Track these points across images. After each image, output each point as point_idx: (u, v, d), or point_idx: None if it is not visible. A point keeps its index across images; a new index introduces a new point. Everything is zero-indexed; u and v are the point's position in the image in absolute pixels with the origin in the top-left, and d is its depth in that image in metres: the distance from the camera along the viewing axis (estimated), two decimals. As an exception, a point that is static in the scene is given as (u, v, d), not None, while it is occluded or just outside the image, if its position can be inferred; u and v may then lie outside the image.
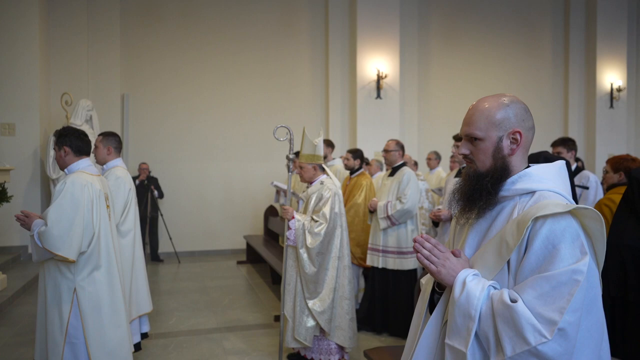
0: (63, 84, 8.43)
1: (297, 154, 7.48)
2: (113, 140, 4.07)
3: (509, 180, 1.51)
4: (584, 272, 1.30)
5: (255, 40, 9.75)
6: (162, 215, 8.73)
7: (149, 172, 8.78)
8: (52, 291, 3.00)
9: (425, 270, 1.78)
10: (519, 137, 1.51)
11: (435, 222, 4.44)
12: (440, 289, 1.59)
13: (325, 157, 6.78)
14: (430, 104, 10.82)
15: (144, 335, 4.34)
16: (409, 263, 4.87)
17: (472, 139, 1.55)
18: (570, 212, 1.38)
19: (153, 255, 8.76)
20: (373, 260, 5.00)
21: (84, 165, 3.16)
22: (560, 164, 1.56)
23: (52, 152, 7.74)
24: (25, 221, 2.99)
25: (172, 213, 9.13)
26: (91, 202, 3.03)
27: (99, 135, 4.16)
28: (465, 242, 1.59)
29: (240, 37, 9.68)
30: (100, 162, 4.10)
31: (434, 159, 8.01)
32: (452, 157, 6.56)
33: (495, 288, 1.42)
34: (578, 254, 1.33)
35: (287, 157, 3.98)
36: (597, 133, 11.38)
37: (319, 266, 3.91)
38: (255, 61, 9.76)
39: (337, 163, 6.53)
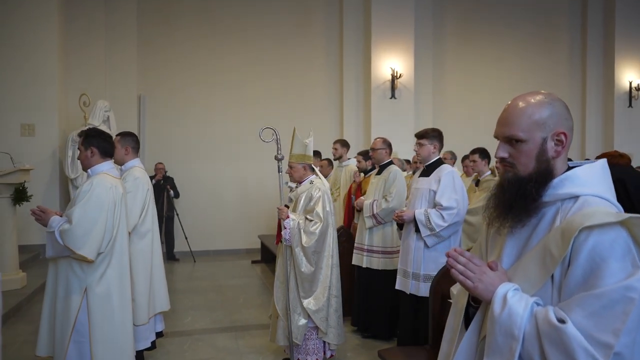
0: (81, 85, 8.53)
1: (314, 153, 7.51)
2: (131, 140, 4.10)
3: (551, 184, 1.40)
4: (638, 289, 1.18)
5: (270, 41, 9.79)
6: (177, 214, 8.80)
7: (165, 172, 8.87)
8: (62, 288, 3.03)
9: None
10: (564, 139, 1.41)
11: (400, 224, 4.27)
12: (476, 303, 1.51)
13: (340, 157, 6.79)
14: (445, 103, 10.74)
15: (159, 334, 4.38)
16: (394, 263, 4.73)
17: (513, 141, 1.43)
18: (621, 222, 1.26)
19: (169, 255, 8.84)
20: (357, 259, 4.94)
21: (108, 168, 3.21)
22: (602, 163, 1.45)
23: (70, 152, 7.85)
24: (41, 217, 3.03)
25: (188, 212, 9.20)
26: (114, 205, 3.08)
27: (117, 135, 4.20)
28: (503, 252, 1.47)
29: (255, 37, 9.73)
30: (119, 162, 4.12)
31: (449, 159, 7.93)
32: (413, 159, 6.44)
33: (538, 304, 1.31)
34: (629, 268, 1.22)
35: (276, 158, 3.99)
36: (616, 132, 11.20)
37: (315, 265, 3.93)
38: (270, 61, 9.80)
39: (352, 163, 6.53)
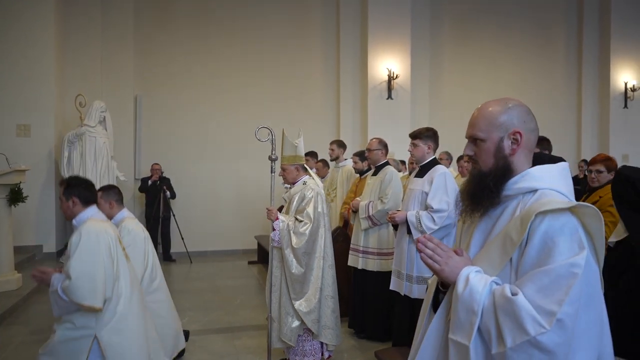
0: (77, 85, 8.52)
1: (311, 153, 7.49)
2: (113, 194, 4.04)
3: (512, 180, 1.56)
4: (581, 265, 1.34)
5: (267, 42, 9.79)
6: (174, 215, 8.79)
7: (162, 172, 8.85)
8: (64, 347, 2.95)
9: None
10: (519, 138, 1.56)
11: (395, 225, 4.25)
12: (444, 288, 1.62)
13: (337, 158, 6.80)
14: (442, 104, 10.77)
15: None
16: (390, 265, 4.60)
17: (477, 140, 1.61)
18: (570, 210, 1.42)
19: (165, 255, 8.83)
20: (353, 260, 4.92)
21: (93, 213, 3.15)
22: (563, 165, 1.60)
23: (66, 153, 7.83)
24: (43, 278, 2.99)
25: (184, 213, 9.18)
26: (108, 248, 3.03)
27: (98, 190, 4.09)
28: (471, 241, 1.63)
29: (252, 39, 9.73)
30: (107, 217, 4.08)
31: (445, 159, 7.96)
32: (409, 159, 6.42)
33: (497, 284, 1.45)
34: (576, 249, 1.37)
35: (270, 158, 3.98)
36: (611, 133, 11.24)
37: (306, 266, 3.91)
38: (266, 62, 9.80)
39: (348, 164, 6.54)
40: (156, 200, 8.54)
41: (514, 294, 1.36)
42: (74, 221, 3.14)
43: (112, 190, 4.08)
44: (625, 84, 11.27)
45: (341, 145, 6.90)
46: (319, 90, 10.13)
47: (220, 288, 7.03)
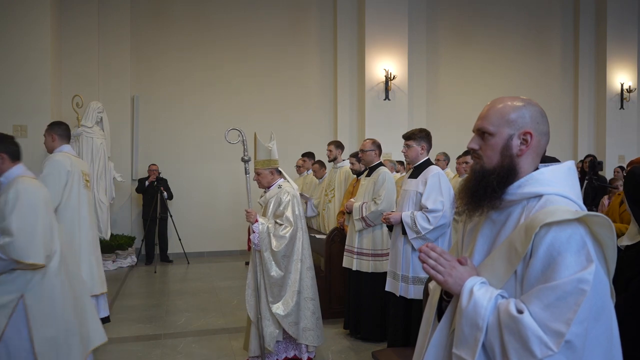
0: (74, 86, 8.50)
1: (308, 154, 7.47)
2: (57, 129, 4.17)
3: (516, 184, 1.48)
4: (590, 281, 1.26)
5: (264, 43, 9.80)
6: (171, 216, 8.78)
7: (159, 173, 8.84)
8: None
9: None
10: (529, 138, 1.49)
11: (390, 226, 4.26)
12: (448, 297, 1.57)
13: (335, 159, 6.80)
14: (439, 105, 10.80)
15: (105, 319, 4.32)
16: (384, 266, 4.65)
17: (484, 134, 1.54)
18: (579, 219, 1.34)
19: (162, 256, 8.82)
20: (348, 262, 4.91)
21: (22, 171, 3.07)
22: (569, 164, 1.52)
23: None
24: None
25: (182, 214, 9.18)
26: (46, 204, 2.99)
27: (47, 126, 4.27)
28: (475, 248, 1.56)
29: (249, 40, 9.73)
30: (49, 150, 4.26)
31: (442, 160, 7.97)
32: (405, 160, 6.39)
33: (503, 297, 1.39)
34: (584, 262, 1.29)
35: (242, 160, 3.95)
36: (608, 134, 11.30)
37: (285, 269, 3.88)
38: (264, 63, 9.81)
39: (346, 164, 6.54)
40: (153, 201, 8.52)
41: (519, 311, 1.30)
42: (2, 178, 3.03)
43: (56, 126, 4.18)
44: (622, 85, 11.32)
45: (339, 146, 6.90)
46: (316, 91, 10.14)
47: (217, 289, 7.03)
